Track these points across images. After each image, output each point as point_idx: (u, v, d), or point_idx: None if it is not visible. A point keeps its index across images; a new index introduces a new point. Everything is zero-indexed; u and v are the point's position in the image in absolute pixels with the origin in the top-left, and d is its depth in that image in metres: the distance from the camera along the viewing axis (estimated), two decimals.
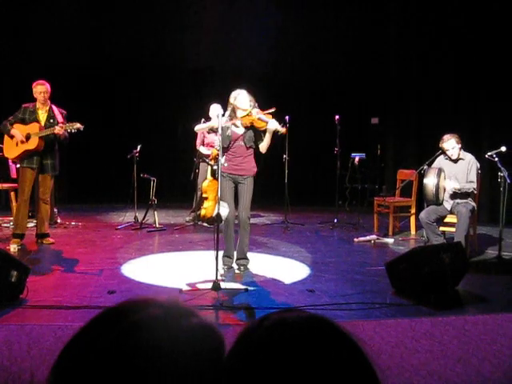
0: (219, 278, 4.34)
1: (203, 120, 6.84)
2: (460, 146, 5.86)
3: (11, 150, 5.97)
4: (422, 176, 6.04)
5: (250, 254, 5.26)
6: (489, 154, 5.71)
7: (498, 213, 5.78)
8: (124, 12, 9.54)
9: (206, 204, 6.07)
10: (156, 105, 10.04)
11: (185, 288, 4.40)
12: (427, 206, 5.89)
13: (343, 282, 4.79)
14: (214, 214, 4.68)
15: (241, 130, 5.04)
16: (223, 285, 4.34)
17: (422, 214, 5.82)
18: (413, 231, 7.30)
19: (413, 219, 7.30)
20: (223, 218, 4.63)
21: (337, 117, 7.61)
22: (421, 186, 6.12)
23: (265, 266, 5.38)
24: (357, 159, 8.05)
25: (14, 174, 7.24)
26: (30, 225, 6.59)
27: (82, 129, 5.82)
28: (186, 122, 9.41)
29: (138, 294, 4.20)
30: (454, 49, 8.63)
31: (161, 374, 0.73)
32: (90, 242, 6.41)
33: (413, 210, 7.31)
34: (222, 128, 4.70)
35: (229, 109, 5.04)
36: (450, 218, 5.96)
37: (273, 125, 4.88)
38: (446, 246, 4.88)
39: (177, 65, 9.92)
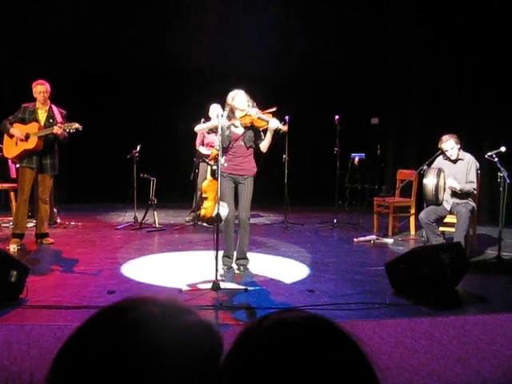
0: (219, 278, 4.34)
1: (203, 120, 6.84)
2: (459, 146, 5.86)
3: (11, 150, 5.97)
4: (421, 176, 6.04)
5: (249, 254, 5.26)
6: (488, 154, 5.71)
7: (498, 213, 5.78)
8: (124, 12, 9.54)
9: (205, 204, 6.09)
10: (156, 105, 10.04)
11: (184, 288, 4.40)
12: (427, 206, 5.89)
13: (343, 282, 4.79)
14: (214, 214, 4.68)
15: (240, 130, 5.04)
16: (223, 285, 4.34)
17: (422, 215, 5.82)
18: (412, 231, 7.30)
19: (412, 219, 7.30)
20: (223, 218, 4.63)
21: (337, 117, 7.62)
22: (420, 186, 6.12)
23: (264, 266, 5.38)
24: (357, 159, 8.05)
25: (13, 174, 7.24)
26: (30, 225, 6.58)
27: (80, 129, 5.82)
28: (185, 122, 9.44)
29: (137, 294, 4.20)
30: (454, 49, 8.63)
31: (159, 372, 0.73)
32: (90, 241, 6.41)
33: (412, 210, 7.31)
34: (222, 128, 4.70)
35: (227, 109, 5.04)
36: (449, 218, 5.96)
37: (274, 123, 4.88)
38: (445, 246, 4.89)
39: (177, 65, 9.91)
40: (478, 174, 5.92)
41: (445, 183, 5.79)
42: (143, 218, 7.41)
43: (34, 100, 6.00)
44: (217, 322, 3.65)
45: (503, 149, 5.64)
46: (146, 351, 0.73)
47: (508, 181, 5.49)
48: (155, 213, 7.40)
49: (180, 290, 4.28)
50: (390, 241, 6.75)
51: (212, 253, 4.60)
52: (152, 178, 7.50)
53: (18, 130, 5.86)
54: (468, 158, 5.89)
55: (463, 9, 8.45)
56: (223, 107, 5.33)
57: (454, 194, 5.80)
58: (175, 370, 0.74)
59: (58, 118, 5.98)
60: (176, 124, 10.17)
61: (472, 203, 5.85)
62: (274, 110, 5.01)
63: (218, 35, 9.85)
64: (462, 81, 8.62)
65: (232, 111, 5.01)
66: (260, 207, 8.56)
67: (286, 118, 6.95)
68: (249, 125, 4.98)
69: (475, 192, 5.87)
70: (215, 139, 5.17)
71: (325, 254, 6.02)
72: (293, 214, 7.99)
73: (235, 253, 5.17)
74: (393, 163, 9.36)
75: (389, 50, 9.74)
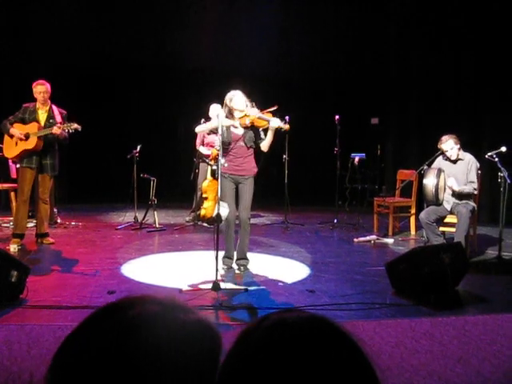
0: (219, 278, 4.34)
1: (203, 120, 6.84)
2: (459, 146, 5.86)
3: (10, 150, 5.98)
4: (421, 176, 6.04)
5: (249, 254, 5.26)
6: (489, 154, 5.71)
7: (498, 213, 5.78)
8: (124, 12, 9.54)
9: (205, 204, 6.08)
10: (156, 105, 10.04)
11: (185, 288, 4.40)
12: (427, 207, 5.89)
13: (343, 282, 4.78)
14: (214, 214, 4.68)
15: (240, 131, 5.04)
16: (223, 285, 4.34)
17: (422, 215, 5.82)
18: (413, 231, 7.30)
19: (413, 219, 7.30)
20: (223, 218, 4.63)
21: (337, 117, 7.61)
22: (421, 186, 6.12)
23: (265, 266, 5.38)
24: (357, 159, 8.05)
25: (14, 174, 7.24)
26: (30, 225, 6.59)
27: (79, 129, 5.82)
28: (185, 122, 9.44)
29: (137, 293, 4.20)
30: (454, 49, 8.63)
31: (158, 370, 0.73)
32: (90, 242, 6.41)
33: (413, 211, 7.31)
34: (222, 128, 4.70)
35: (225, 111, 5.03)
36: (449, 219, 5.96)
37: (275, 123, 4.89)
38: (445, 246, 4.89)
39: (177, 65, 9.91)
40: (478, 173, 5.92)
41: (445, 183, 5.79)
42: (143, 218, 7.41)
43: (34, 100, 6.00)
44: (217, 322, 3.65)
45: (504, 149, 5.64)
46: (144, 349, 0.73)
47: (508, 181, 5.49)
48: (155, 213, 7.40)
49: (180, 290, 4.28)
50: (390, 241, 6.75)
51: (212, 253, 4.60)
52: (152, 178, 7.50)
53: (17, 130, 5.87)
54: (468, 157, 5.89)
55: (463, 9, 8.45)
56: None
57: (454, 194, 5.79)
58: (175, 370, 0.74)
59: (58, 118, 5.99)
60: (176, 124, 10.17)
61: (472, 203, 5.84)
62: (274, 108, 5.01)
63: (218, 35, 9.85)
64: (462, 81, 8.62)
65: (230, 112, 5.01)
66: (260, 207, 8.56)
67: (286, 118, 6.95)
68: (249, 125, 4.98)
69: (476, 192, 5.86)
70: (215, 139, 5.16)
71: (325, 254, 6.02)
72: (293, 214, 7.99)
73: (235, 253, 5.17)
74: (393, 163, 9.36)
75: (389, 50, 9.74)
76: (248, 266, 5.18)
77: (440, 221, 5.93)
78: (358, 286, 4.66)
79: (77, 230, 7.19)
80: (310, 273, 5.14)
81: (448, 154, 5.84)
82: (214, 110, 6.87)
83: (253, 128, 5.02)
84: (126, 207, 7.80)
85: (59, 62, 8.96)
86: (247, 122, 4.94)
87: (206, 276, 4.69)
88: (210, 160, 6.96)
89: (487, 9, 8.20)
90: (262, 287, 4.61)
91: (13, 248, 5.72)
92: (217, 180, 4.70)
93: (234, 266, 5.19)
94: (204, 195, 6.35)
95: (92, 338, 0.75)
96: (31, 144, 5.82)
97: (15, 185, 6.57)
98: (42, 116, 6.00)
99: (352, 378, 0.73)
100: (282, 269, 5.31)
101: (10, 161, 7.01)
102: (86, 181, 9.70)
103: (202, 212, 6.00)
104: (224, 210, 4.67)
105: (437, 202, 5.73)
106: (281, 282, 4.80)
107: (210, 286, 4.25)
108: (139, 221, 7.42)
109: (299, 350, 0.73)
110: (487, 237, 7.03)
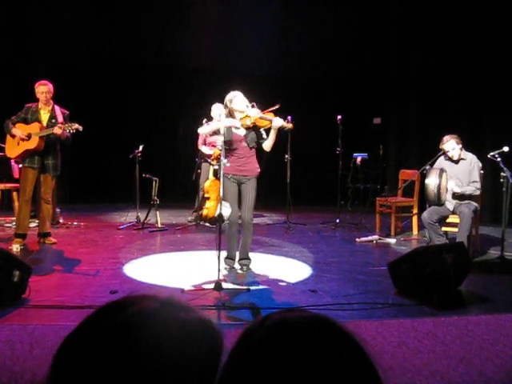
0: (221, 277, 4.34)
1: (205, 120, 6.85)
2: (460, 146, 5.85)
3: (13, 150, 5.99)
4: (424, 176, 6.03)
5: (252, 254, 5.26)
6: (491, 154, 5.70)
7: (501, 213, 5.77)
8: (124, 12, 9.54)
9: (207, 204, 6.08)
10: (156, 105, 10.04)
11: (187, 288, 4.39)
12: (429, 207, 5.88)
13: (345, 282, 4.78)
14: (216, 214, 4.68)
15: (242, 132, 5.03)
16: (225, 285, 4.34)
17: (425, 214, 5.81)
18: (415, 231, 7.29)
19: (415, 219, 7.29)
20: (225, 218, 4.63)
21: (339, 117, 7.61)
22: (423, 186, 6.11)
23: (267, 266, 5.38)
24: (359, 159, 8.04)
25: (16, 174, 7.25)
26: (33, 225, 6.60)
27: (80, 129, 5.82)
28: (186, 122, 9.45)
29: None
30: (454, 49, 8.61)
31: (158, 369, 0.73)
32: (92, 241, 6.42)
33: (415, 210, 7.30)
34: (224, 129, 4.70)
35: (226, 112, 5.02)
36: (452, 218, 5.95)
37: (278, 122, 4.89)
38: (448, 246, 4.88)
39: (177, 65, 9.91)
40: (480, 173, 5.90)
41: (447, 184, 5.78)
42: (145, 218, 7.41)
43: (34, 100, 6.01)
44: (219, 321, 3.65)
45: (506, 149, 5.63)
46: (143, 348, 0.74)
47: (511, 181, 5.47)
48: (157, 213, 7.40)
49: (182, 290, 4.28)
50: (392, 241, 6.74)
51: (214, 253, 4.60)
52: (154, 178, 7.51)
53: (19, 130, 5.88)
54: (470, 157, 5.87)
55: (463, 9, 8.43)
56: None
57: (456, 196, 5.78)
58: (175, 370, 0.74)
59: (60, 118, 5.99)
60: (176, 124, 10.17)
61: (474, 203, 5.83)
62: (276, 107, 5.01)
63: (218, 35, 9.85)
64: (462, 81, 8.60)
65: (231, 114, 5.00)
66: (262, 207, 8.56)
67: (289, 117, 6.95)
68: (251, 126, 4.97)
69: (479, 192, 5.84)
70: (218, 139, 5.16)
71: (327, 253, 6.01)
72: (295, 213, 7.99)
73: (238, 253, 5.17)
74: (395, 163, 9.34)
75: (389, 50, 9.73)
76: (250, 266, 5.18)
77: (442, 221, 5.92)
78: (361, 285, 4.66)
79: (79, 230, 7.20)
80: (312, 272, 5.14)
81: (449, 154, 5.83)
82: (217, 109, 6.88)
83: (255, 128, 5.01)
84: (128, 207, 7.81)
85: (59, 61, 8.96)
86: (248, 122, 4.94)
87: (208, 276, 4.69)
88: (212, 160, 6.96)
89: (487, 9, 8.19)
90: (264, 287, 4.61)
91: (15, 248, 5.73)
92: (219, 180, 4.70)
93: (237, 266, 5.19)
94: (206, 195, 6.36)
95: (92, 336, 0.75)
96: (33, 144, 5.83)
97: (18, 185, 6.58)
98: (45, 116, 6.01)
99: (354, 378, 0.73)
100: (284, 268, 5.31)
101: (12, 161, 7.02)
102: (88, 181, 9.70)
103: (204, 212, 6.00)
104: (226, 210, 4.68)
105: (439, 202, 5.72)
106: (283, 281, 4.80)
107: (212, 285, 4.25)
108: (141, 221, 7.42)
109: (301, 350, 0.73)
110: (489, 237, 7.02)
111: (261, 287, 4.60)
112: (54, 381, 0.76)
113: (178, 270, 5.18)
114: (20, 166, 6.19)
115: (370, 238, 6.72)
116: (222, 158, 4.53)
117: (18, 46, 9.05)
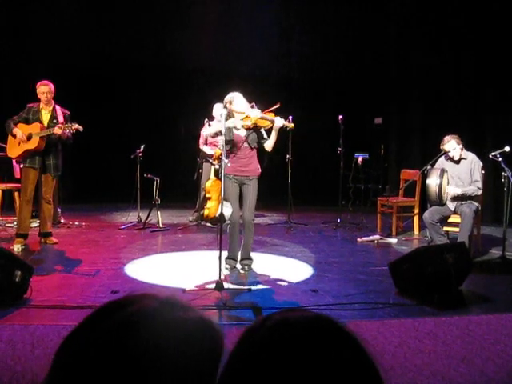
0: (222, 277, 4.34)
1: (206, 120, 6.85)
2: (461, 146, 5.84)
3: (13, 150, 6.00)
4: (425, 176, 6.03)
5: (253, 254, 5.26)
6: (492, 154, 5.69)
7: (502, 213, 5.76)
8: (124, 12, 9.55)
9: (209, 204, 6.08)
10: (156, 105, 10.04)
11: (188, 288, 4.40)
12: (430, 206, 5.88)
13: (346, 282, 4.78)
14: (218, 214, 4.68)
15: (243, 132, 5.03)
16: (226, 285, 4.34)
17: (426, 214, 5.81)
18: (416, 231, 7.28)
19: (416, 219, 7.28)
20: (226, 218, 4.64)
21: (340, 117, 7.60)
22: (424, 186, 6.11)
23: (268, 266, 5.38)
24: (360, 159, 8.04)
25: (17, 174, 7.25)
26: (34, 225, 6.60)
27: (81, 129, 5.83)
28: (186, 122, 9.45)
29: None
30: (454, 49, 8.61)
31: (157, 368, 0.73)
32: (94, 241, 6.42)
33: (416, 210, 7.30)
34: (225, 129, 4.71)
35: (225, 113, 5.00)
36: (453, 218, 5.94)
37: (279, 122, 4.89)
38: (449, 246, 4.88)
39: (177, 65, 9.91)
40: (481, 173, 5.90)
41: (448, 183, 5.78)
42: (147, 218, 7.42)
43: (35, 100, 6.02)
44: (220, 321, 3.65)
45: (507, 149, 5.62)
46: (143, 347, 0.74)
47: None
48: (159, 213, 7.41)
49: (184, 290, 4.28)
50: (393, 241, 6.74)
51: (216, 253, 4.60)
52: (155, 178, 7.51)
53: (21, 130, 5.88)
54: (471, 157, 5.87)
55: (463, 9, 8.42)
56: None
57: (457, 198, 5.77)
58: (174, 369, 0.74)
59: (61, 118, 6.00)
60: (176, 124, 10.17)
61: (476, 203, 5.83)
62: (277, 107, 5.01)
63: (218, 35, 9.85)
64: (462, 81, 8.60)
65: (231, 115, 4.99)
66: (264, 207, 8.56)
67: (290, 117, 6.96)
68: (251, 127, 4.97)
69: (481, 191, 5.83)
70: (219, 139, 5.17)
71: (328, 253, 6.01)
72: (296, 213, 7.99)
73: (239, 253, 5.17)
74: (396, 163, 9.34)
75: (389, 50, 9.72)
76: (252, 266, 5.18)
77: (444, 221, 5.91)
78: (362, 285, 4.66)
79: (80, 230, 7.20)
80: (313, 272, 5.14)
81: (450, 154, 5.83)
82: (218, 109, 6.88)
83: (255, 129, 5.01)
84: (130, 207, 7.81)
85: (59, 61, 8.96)
86: (249, 123, 4.94)
87: (209, 276, 4.69)
88: (214, 160, 6.96)
89: (487, 9, 8.18)
90: (265, 287, 4.61)
91: (16, 248, 5.74)
92: (220, 180, 4.71)
93: (238, 266, 5.19)
94: (207, 195, 6.35)
95: (91, 336, 0.76)
96: (33, 144, 5.83)
97: (19, 185, 6.59)
98: (46, 116, 6.01)
99: (355, 378, 0.73)
100: (285, 268, 5.31)
101: (13, 161, 7.03)
102: (89, 181, 9.71)
103: (206, 212, 6.00)
104: (227, 210, 4.68)
105: (440, 202, 5.71)
106: (284, 281, 4.80)
107: (213, 285, 4.25)
108: (142, 221, 7.43)
109: (302, 350, 0.73)
110: (491, 237, 7.01)
111: (262, 287, 4.61)
112: (54, 381, 0.76)
113: (179, 270, 5.18)
114: (21, 166, 6.19)
115: (371, 237, 6.72)
116: (223, 157, 4.53)
117: (17, 46, 9.06)
